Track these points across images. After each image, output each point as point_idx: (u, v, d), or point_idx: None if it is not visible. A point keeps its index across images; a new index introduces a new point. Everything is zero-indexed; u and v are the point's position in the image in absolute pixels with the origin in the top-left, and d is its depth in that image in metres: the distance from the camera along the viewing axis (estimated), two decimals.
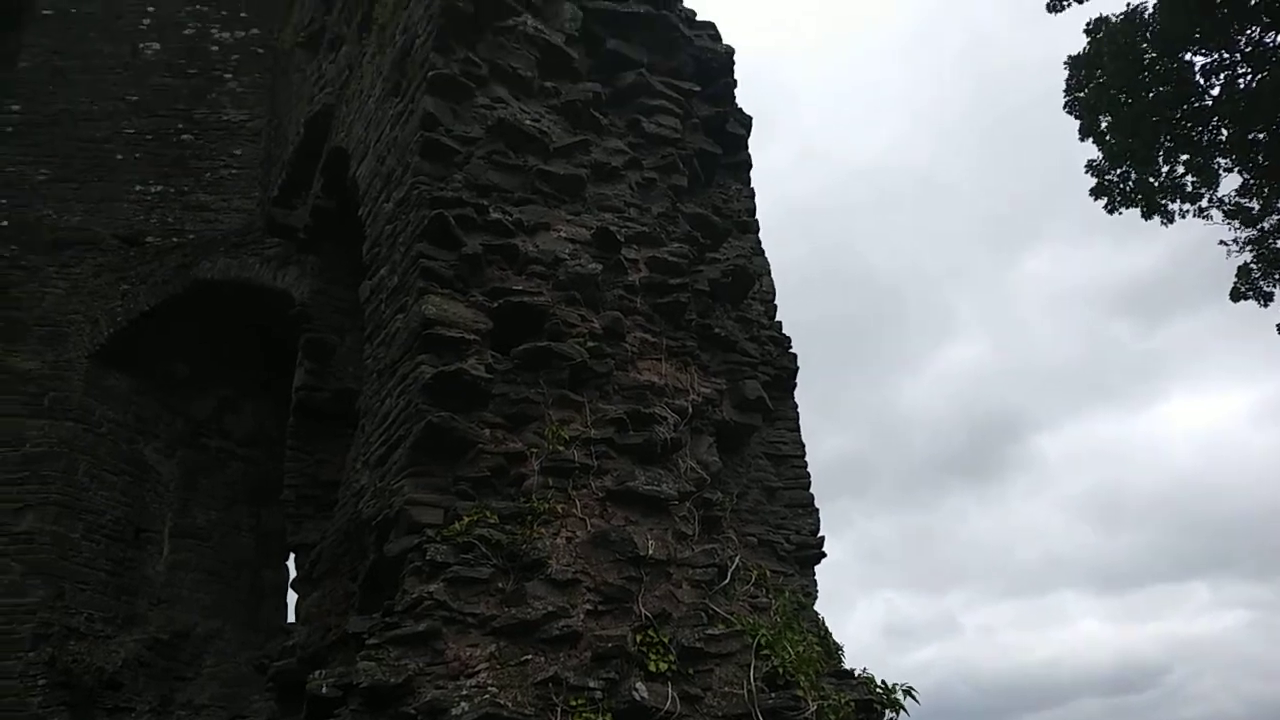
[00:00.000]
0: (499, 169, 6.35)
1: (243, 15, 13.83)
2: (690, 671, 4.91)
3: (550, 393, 5.71)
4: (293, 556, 9.35)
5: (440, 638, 4.77)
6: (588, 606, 4.93)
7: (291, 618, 9.84)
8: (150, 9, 13.67)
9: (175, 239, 11.95)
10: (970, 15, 51.43)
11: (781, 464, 6.77)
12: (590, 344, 5.85)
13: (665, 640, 4.91)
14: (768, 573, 5.90)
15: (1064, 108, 15.08)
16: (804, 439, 7.09)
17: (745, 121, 7.69)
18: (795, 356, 7.10)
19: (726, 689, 4.95)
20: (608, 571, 5.07)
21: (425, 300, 5.69)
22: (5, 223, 11.89)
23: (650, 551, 5.16)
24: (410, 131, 6.52)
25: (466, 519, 5.12)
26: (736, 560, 5.60)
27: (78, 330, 11.22)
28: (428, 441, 5.35)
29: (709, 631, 5.03)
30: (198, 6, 13.82)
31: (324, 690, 5.68)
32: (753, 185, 7.68)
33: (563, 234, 6.28)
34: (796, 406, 7.09)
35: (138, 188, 12.40)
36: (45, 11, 13.31)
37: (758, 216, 7.65)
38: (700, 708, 4.86)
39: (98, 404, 11.02)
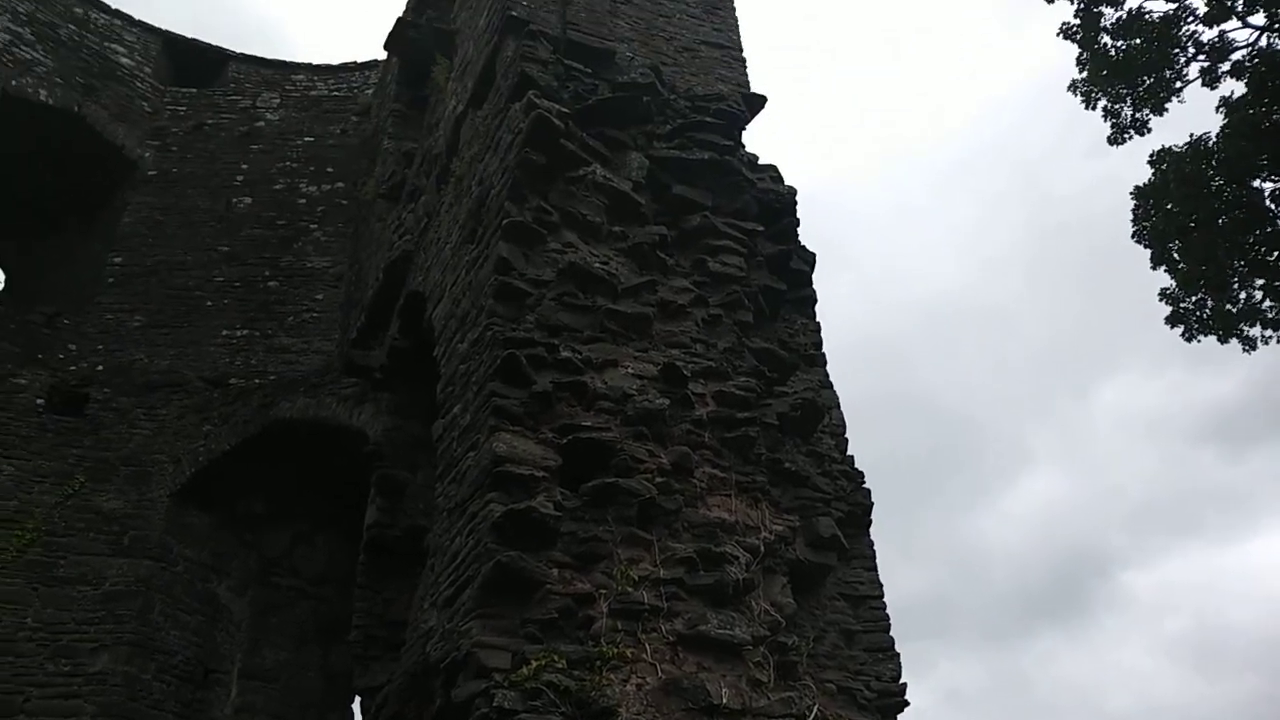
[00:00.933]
0: (569, 309, 6.51)
1: (329, 170, 14.74)
2: None
3: (619, 530, 5.64)
4: (359, 700, 9.20)
5: None
6: None
7: None
8: (244, 167, 14.67)
9: (257, 380, 12.41)
10: (1022, 144, 52.07)
11: (859, 605, 6.52)
12: (658, 480, 5.82)
13: None
14: None
15: (1132, 236, 15.00)
16: (881, 578, 6.85)
17: (809, 258, 7.80)
18: (869, 492, 6.95)
19: None
20: None
21: (496, 437, 5.75)
22: (100, 367, 12.52)
23: (724, 700, 4.95)
24: (485, 275, 6.76)
25: (534, 663, 5.00)
26: (815, 709, 5.33)
27: (161, 470, 11.56)
28: (496, 582, 5.30)
29: None
30: (288, 164, 14.79)
31: None
32: (818, 319, 7.72)
33: (630, 370, 6.35)
34: (872, 544, 6.88)
35: (224, 332, 13.01)
36: (150, 173, 14.38)
37: (824, 350, 7.66)
38: None
39: (176, 542, 11.23)
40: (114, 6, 15.39)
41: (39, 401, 11.70)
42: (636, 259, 6.92)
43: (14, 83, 13.49)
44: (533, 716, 4.81)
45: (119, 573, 10.81)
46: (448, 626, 5.70)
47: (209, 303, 13.24)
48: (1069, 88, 15.36)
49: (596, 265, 6.71)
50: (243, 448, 11.64)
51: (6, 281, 14.95)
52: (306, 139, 15.09)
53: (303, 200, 14.43)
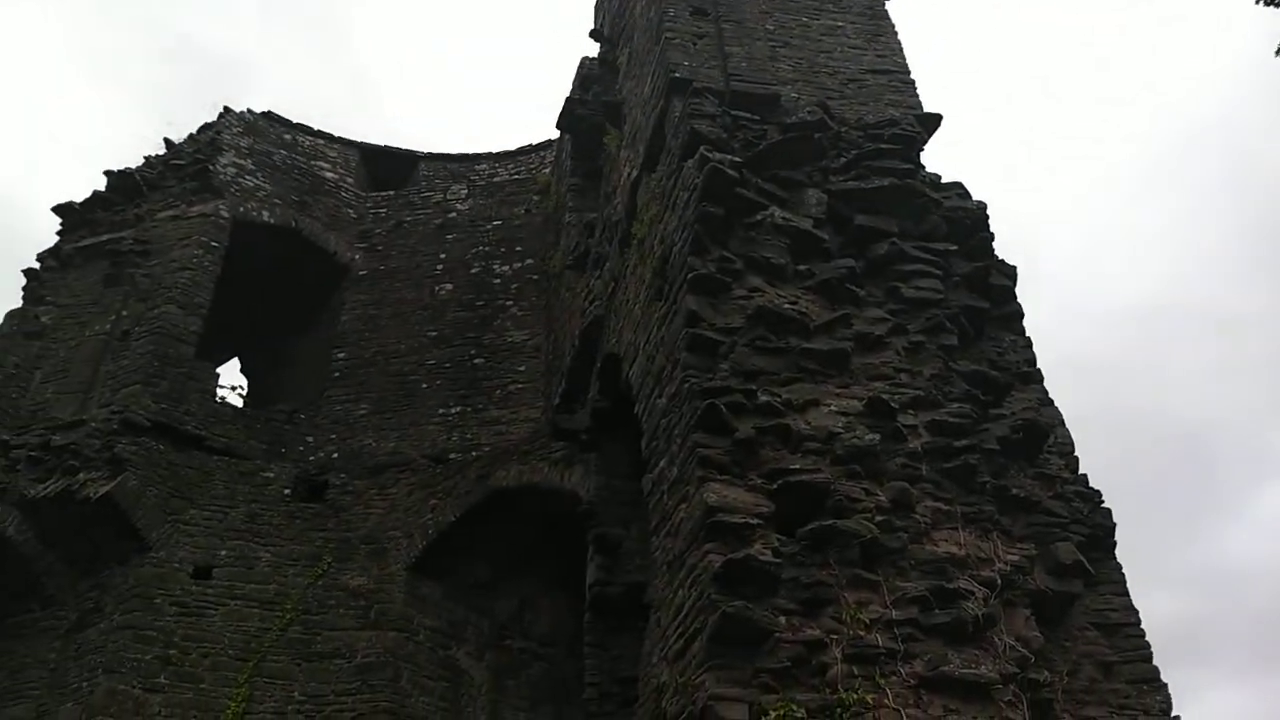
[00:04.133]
0: (762, 353, 6.50)
1: (518, 249, 15.57)
2: None
3: (843, 573, 5.52)
4: None
5: None
6: None
7: None
8: (442, 256, 15.74)
9: (474, 453, 13.12)
10: (1237, 127, 47.48)
11: (1114, 634, 6.03)
12: (878, 518, 5.66)
13: None
14: None
15: None
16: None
17: (1009, 272, 7.45)
18: (1110, 511, 6.45)
19: None
20: None
21: (706, 488, 5.79)
22: (335, 454, 13.62)
23: None
24: (675, 330, 6.89)
25: (773, 714, 4.93)
26: None
27: (396, 545, 12.37)
28: (724, 632, 5.29)
29: None
30: (481, 248, 15.75)
31: None
32: (1028, 335, 7.33)
33: (834, 408, 6.25)
34: (1120, 567, 6.37)
35: (440, 411, 13.88)
36: (361, 272, 15.69)
37: (1038, 366, 7.24)
38: None
39: (416, 613, 11.93)
40: (317, 128, 17.04)
41: (286, 491, 12.84)
42: (826, 295, 6.85)
43: (241, 209, 15.14)
44: None
45: (368, 644, 11.58)
46: (680, 680, 5.72)
47: (424, 385, 14.19)
48: None
49: (785, 306, 6.69)
50: (466, 518, 12.27)
51: (250, 387, 16.63)
52: (495, 222, 16.05)
53: (497, 280, 15.29)
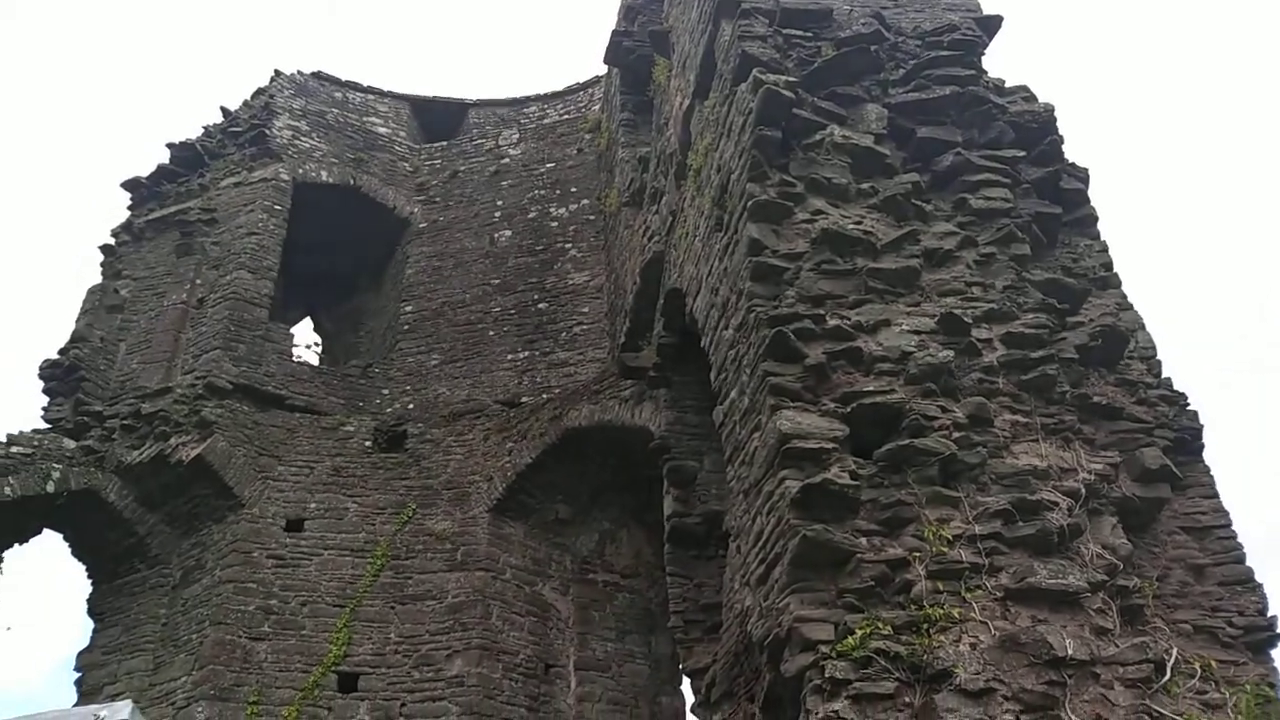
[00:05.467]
0: (829, 276, 6.42)
1: (573, 190, 15.53)
2: None
3: (922, 491, 5.49)
4: (688, 680, 9.61)
5: None
6: (1009, 717, 4.54)
7: None
8: (499, 203, 15.80)
9: (544, 395, 13.31)
10: None
11: (1204, 537, 5.91)
12: (956, 435, 5.60)
13: None
14: (1213, 663, 5.11)
15: None
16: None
17: (1081, 174, 7.19)
18: (1197, 414, 6.27)
19: None
20: (1024, 677, 4.66)
21: (778, 416, 5.78)
22: (411, 405, 13.95)
23: (1070, 651, 4.69)
24: (738, 260, 6.83)
25: (859, 632, 4.98)
26: (1175, 652, 4.92)
27: (476, 489, 12.68)
28: (805, 556, 5.33)
29: None
30: (536, 192, 15.76)
31: None
32: (1104, 238, 7.09)
33: (905, 327, 6.16)
34: (1209, 470, 6.21)
35: (509, 357, 14.08)
36: (421, 225, 15.85)
37: (1116, 270, 7.02)
38: None
39: (500, 552, 12.29)
40: (366, 84, 17.11)
41: (367, 444, 13.22)
42: (891, 212, 6.71)
43: (300, 171, 15.36)
44: (867, 684, 4.80)
45: (458, 585, 11.99)
46: (764, 604, 5.81)
47: (491, 332, 14.39)
48: None
49: (850, 227, 6.58)
50: (542, 459, 12.51)
51: (324, 345, 17.05)
52: (548, 165, 16.01)
53: (554, 223, 15.32)
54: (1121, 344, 6.39)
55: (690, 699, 9.58)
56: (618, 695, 12.04)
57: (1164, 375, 6.56)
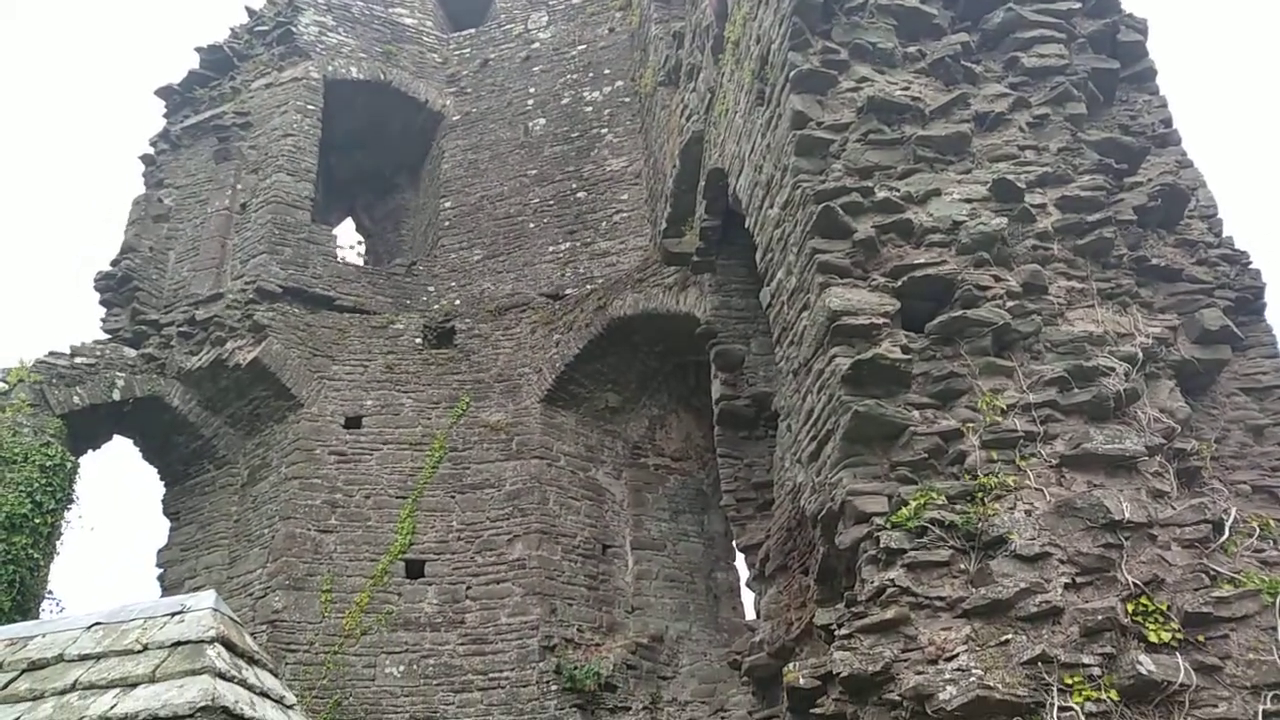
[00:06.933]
0: (876, 147, 6.23)
1: (606, 72, 15.12)
2: (1201, 639, 4.40)
3: (975, 362, 5.45)
4: (741, 557, 9.87)
5: (910, 623, 4.73)
6: (1064, 580, 4.61)
7: (750, 615, 10.39)
8: (531, 90, 15.47)
9: (588, 286, 13.31)
10: None
11: (1265, 397, 5.81)
12: (1010, 304, 5.51)
13: (1163, 608, 4.45)
14: (1271, 522, 5.11)
15: None
16: None
17: (1140, 25, 6.80)
18: (1259, 272, 6.08)
19: (1250, 655, 4.35)
20: (1080, 541, 4.70)
21: (828, 293, 5.73)
22: (458, 301, 14.06)
23: (1126, 514, 4.70)
24: (782, 134, 6.66)
25: (914, 503, 5.04)
26: (1233, 513, 4.92)
27: (527, 381, 12.87)
28: (857, 431, 5.36)
29: (1216, 594, 4.47)
30: (569, 76, 15.37)
31: (802, 681, 5.92)
32: (1163, 93, 6.75)
33: (956, 196, 6.00)
34: (1271, 329, 6.06)
35: (550, 249, 14.03)
36: (454, 118, 15.62)
37: (1175, 126, 6.71)
38: (1221, 678, 4.32)
39: (554, 440, 12.55)
40: None
41: (417, 340, 13.41)
42: (940, 75, 6.45)
43: (330, 68, 15.14)
44: (922, 553, 4.89)
45: (514, 473, 12.31)
46: (817, 480, 5.88)
47: (531, 225, 14.32)
48: None
49: (897, 93, 6.35)
50: (589, 349, 12.61)
51: (366, 244, 17.13)
52: (579, 47, 15.57)
53: (589, 108, 14.98)
54: (1182, 203, 6.17)
55: (744, 574, 9.86)
56: (674, 572, 12.42)
57: (1225, 234, 6.34)
